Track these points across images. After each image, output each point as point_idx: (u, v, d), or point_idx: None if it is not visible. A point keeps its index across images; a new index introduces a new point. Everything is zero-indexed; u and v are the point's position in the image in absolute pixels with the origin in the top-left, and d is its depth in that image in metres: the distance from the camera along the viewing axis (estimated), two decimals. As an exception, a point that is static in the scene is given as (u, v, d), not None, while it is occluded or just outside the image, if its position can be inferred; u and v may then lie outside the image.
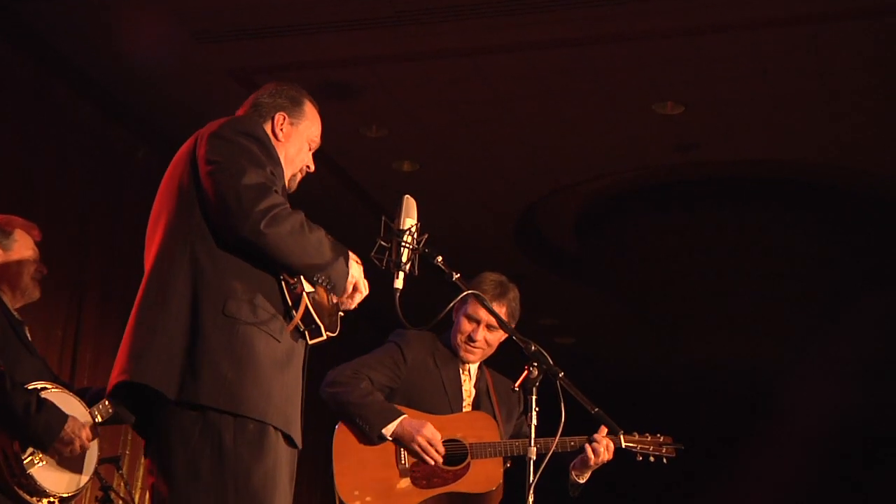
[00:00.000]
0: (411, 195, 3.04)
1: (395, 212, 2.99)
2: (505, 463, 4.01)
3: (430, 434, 3.88)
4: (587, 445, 3.95)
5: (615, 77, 6.66)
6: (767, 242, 9.07)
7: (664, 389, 12.96)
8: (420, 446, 3.87)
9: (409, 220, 2.97)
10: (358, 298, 3.00)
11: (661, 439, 4.14)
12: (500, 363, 4.35)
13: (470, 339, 4.05)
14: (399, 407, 3.98)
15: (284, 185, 2.96)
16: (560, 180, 8.34)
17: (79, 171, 6.68)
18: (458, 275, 3.08)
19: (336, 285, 2.85)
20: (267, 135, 2.94)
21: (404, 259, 2.93)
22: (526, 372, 2.92)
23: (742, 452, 12.73)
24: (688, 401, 13.24)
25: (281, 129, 3.05)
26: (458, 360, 4.12)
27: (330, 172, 7.78)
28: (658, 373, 12.77)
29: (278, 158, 2.92)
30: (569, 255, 10.02)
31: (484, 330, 4.06)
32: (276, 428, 2.76)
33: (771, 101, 6.91)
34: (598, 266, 10.07)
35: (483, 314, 4.02)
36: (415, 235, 2.96)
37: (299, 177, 3.12)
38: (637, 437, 4.09)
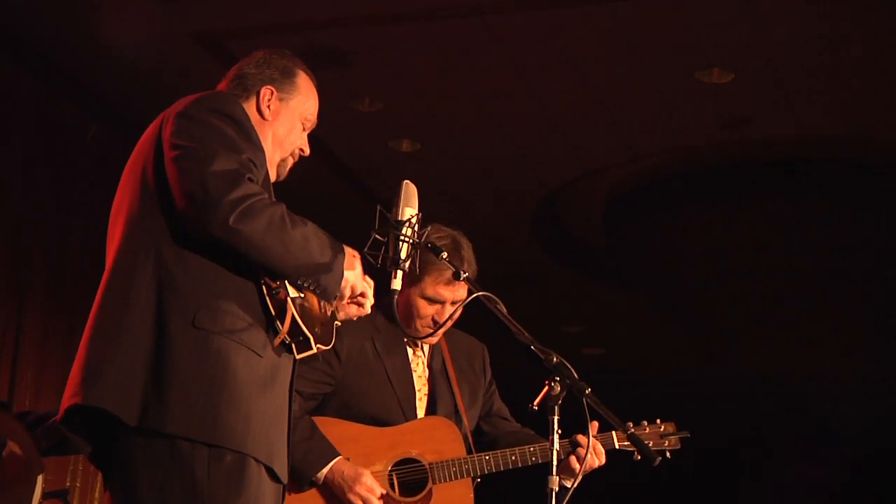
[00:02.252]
0: (411, 180, 3.04)
1: (393, 200, 2.99)
2: (474, 481, 3.93)
3: (366, 490, 3.75)
4: (571, 457, 3.81)
5: (652, 40, 6.66)
6: (831, 236, 9.06)
7: (708, 407, 12.96)
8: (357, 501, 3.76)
9: (409, 210, 2.97)
10: (367, 305, 3.00)
11: (662, 428, 4.03)
12: (512, 377, 4.33)
13: (435, 322, 3.90)
14: (339, 423, 3.85)
15: (267, 173, 2.94)
16: (586, 163, 8.33)
17: (18, 154, 6.68)
18: (467, 273, 3.09)
19: (327, 290, 2.84)
20: (246, 114, 2.92)
21: (403, 255, 2.93)
22: (547, 388, 2.90)
23: (794, 477, 12.75)
24: (735, 420, 13.26)
25: (268, 106, 3.04)
26: (404, 339, 3.99)
27: (315, 153, 7.76)
28: (701, 388, 12.77)
29: (259, 143, 2.91)
30: (596, 252, 10.02)
31: (450, 308, 3.90)
32: (257, 460, 2.76)
33: (837, 67, 6.89)
34: (631, 264, 10.06)
35: (447, 293, 3.89)
36: (415, 227, 2.95)
37: (291, 161, 3.11)
38: (632, 430, 3.83)
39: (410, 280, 3.90)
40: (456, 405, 4.01)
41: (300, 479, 3.75)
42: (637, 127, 7.74)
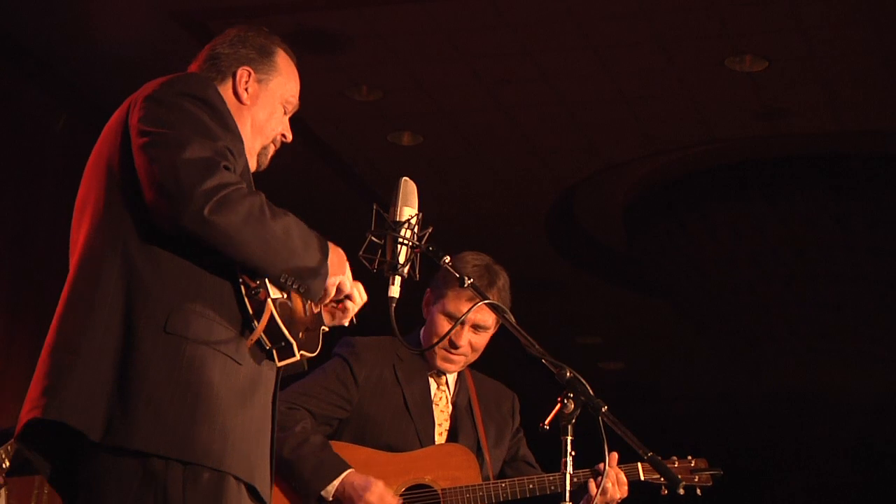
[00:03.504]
0: (412, 176, 3.05)
1: (391, 198, 3.00)
2: None
3: (377, 498, 3.82)
4: (591, 481, 3.89)
5: (678, 23, 6.66)
6: (876, 238, 9.05)
7: (739, 428, 12.94)
8: None
9: (408, 210, 2.98)
10: (353, 308, 2.99)
11: (693, 463, 4.09)
12: (526, 393, 4.34)
13: (452, 344, 4.00)
14: (349, 446, 3.93)
15: (246, 164, 2.95)
16: (606, 157, 8.34)
17: (-19, 145, 6.71)
18: (472, 279, 3.09)
19: (311, 288, 2.84)
20: (222, 98, 2.92)
21: (402, 260, 2.93)
22: (559, 405, 2.91)
23: (830, 499, 12.73)
24: (770, 442, 13.23)
25: (245, 89, 3.04)
26: (428, 371, 4.08)
27: (306, 146, 7.79)
28: (731, 407, 12.74)
29: (237, 129, 2.91)
30: (616, 255, 10.02)
31: (470, 332, 4.00)
32: (237, 478, 2.76)
33: (881, 53, 6.89)
34: (654, 269, 10.06)
35: (479, 315, 3.97)
36: (415, 229, 2.96)
37: (272, 149, 3.11)
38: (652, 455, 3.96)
39: (435, 297, 4.03)
40: (479, 442, 4.08)
41: (308, 493, 3.84)
42: (662, 118, 7.75)
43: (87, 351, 2.71)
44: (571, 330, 11.50)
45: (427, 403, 4.05)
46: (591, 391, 2.93)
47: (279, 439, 3.68)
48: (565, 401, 2.91)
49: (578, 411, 2.91)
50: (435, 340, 4.00)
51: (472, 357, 4.09)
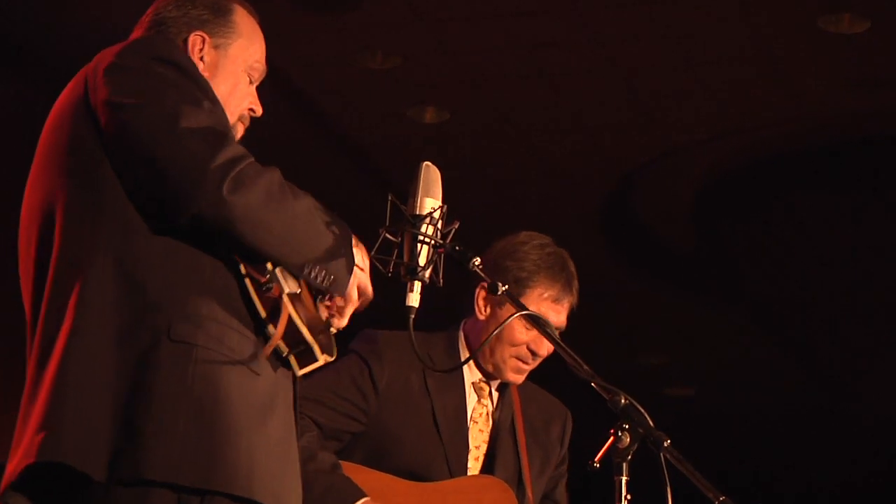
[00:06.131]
0: (434, 161, 3.06)
1: (410, 188, 3.01)
2: None
3: None
4: None
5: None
6: None
7: (835, 465, 12.91)
8: None
9: (431, 201, 2.99)
10: (352, 306, 3.01)
11: None
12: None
13: (534, 354, 3.95)
14: (362, 470, 3.89)
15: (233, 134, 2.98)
16: (672, 137, 8.34)
17: None
18: (506, 287, 3.10)
19: (337, 280, 2.86)
20: (191, 60, 2.97)
21: (422, 261, 2.94)
22: (612, 439, 2.92)
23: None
24: (874, 481, 13.20)
25: (200, 59, 3.05)
26: (463, 377, 4.04)
27: (309, 124, 7.80)
28: (826, 439, 12.71)
29: (214, 94, 2.94)
30: (684, 257, 10.01)
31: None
32: None
33: None
34: (731, 273, 10.05)
35: (553, 314, 3.96)
36: (439, 224, 2.98)
37: (241, 128, 3.13)
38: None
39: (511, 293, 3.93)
40: (521, 473, 4.05)
41: None
42: (739, 89, 7.75)
43: (81, 375, 2.73)
44: (631, 347, 11.50)
45: (461, 420, 4.02)
46: (650, 421, 2.93)
47: None
48: (619, 433, 2.91)
49: (636, 446, 2.91)
50: (509, 349, 3.97)
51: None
